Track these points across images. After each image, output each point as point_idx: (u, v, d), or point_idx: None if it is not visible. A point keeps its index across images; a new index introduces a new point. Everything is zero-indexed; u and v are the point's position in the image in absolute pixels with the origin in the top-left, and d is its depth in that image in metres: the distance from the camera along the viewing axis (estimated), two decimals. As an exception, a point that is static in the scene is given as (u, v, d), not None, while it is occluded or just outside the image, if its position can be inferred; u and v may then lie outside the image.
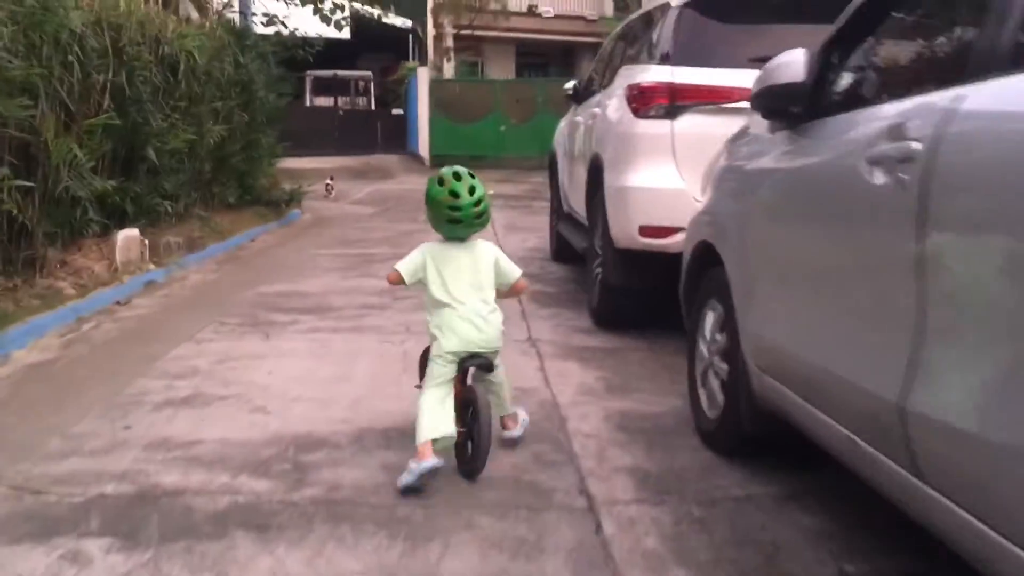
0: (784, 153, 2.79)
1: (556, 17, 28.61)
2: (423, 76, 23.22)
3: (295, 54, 11.85)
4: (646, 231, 4.73)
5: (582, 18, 28.90)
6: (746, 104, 4.55)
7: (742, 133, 3.43)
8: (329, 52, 25.15)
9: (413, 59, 24.31)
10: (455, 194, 3.05)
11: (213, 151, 9.42)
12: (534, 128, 22.97)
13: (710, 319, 3.42)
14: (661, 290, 5.16)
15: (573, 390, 4.17)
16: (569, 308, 6.14)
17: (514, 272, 3.26)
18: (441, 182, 3.09)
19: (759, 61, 4.66)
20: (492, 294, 3.17)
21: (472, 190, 3.07)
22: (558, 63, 30.42)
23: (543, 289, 6.92)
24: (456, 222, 3.08)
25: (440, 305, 3.09)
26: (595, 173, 5.49)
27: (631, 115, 4.84)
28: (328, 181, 16.34)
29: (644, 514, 2.79)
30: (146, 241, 7.25)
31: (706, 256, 3.44)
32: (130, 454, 3.25)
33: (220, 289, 6.93)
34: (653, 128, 4.72)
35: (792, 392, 2.58)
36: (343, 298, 6.43)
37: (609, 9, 29.15)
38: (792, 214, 2.62)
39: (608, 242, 5.11)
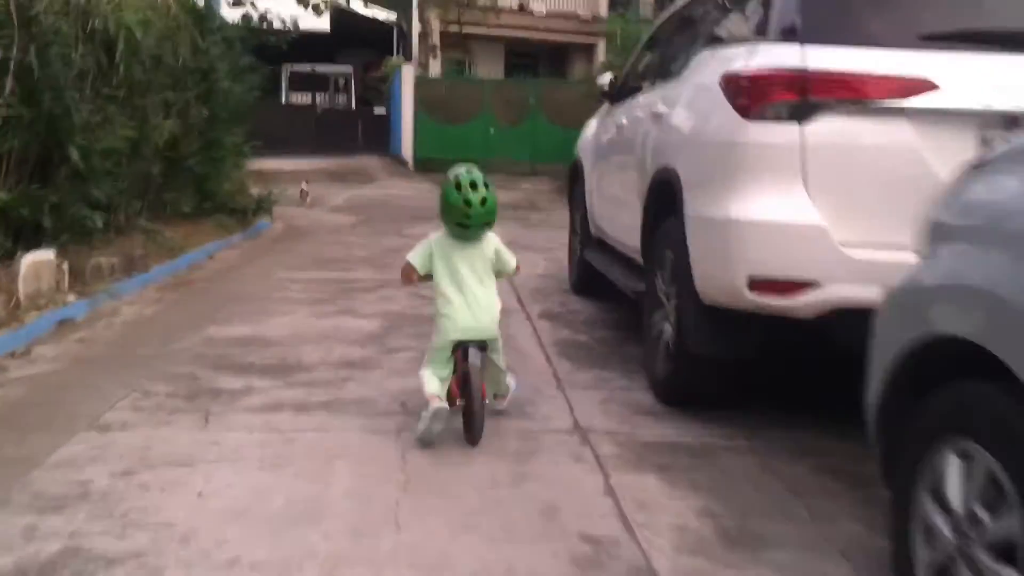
0: None
1: (548, 15, 27.17)
2: (408, 74, 21.68)
3: (266, 41, 10.30)
4: (760, 285, 3.25)
5: (576, 17, 27.48)
6: (913, 102, 3.15)
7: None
8: (307, 45, 23.55)
9: (398, 55, 22.78)
10: (468, 203, 3.33)
11: (164, 151, 7.87)
12: (525, 132, 21.55)
13: (955, 475, 1.94)
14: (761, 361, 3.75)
15: (671, 539, 2.67)
16: (614, 368, 4.65)
17: (512, 262, 3.59)
18: (458, 187, 3.36)
19: (937, 40, 3.27)
20: (491, 283, 3.46)
21: (484, 201, 3.36)
22: (548, 64, 29.00)
23: (573, 338, 5.42)
24: (465, 227, 3.39)
25: (443, 294, 3.40)
26: (663, 195, 4.01)
27: (736, 116, 3.35)
28: (303, 185, 14.78)
29: None
30: (65, 265, 5.70)
31: (946, 361, 1.98)
32: None
33: (157, 330, 5.38)
34: (773, 135, 3.23)
35: None
36: (317, 349, 4.90)
37: (604, 8, 27.77)
38: None
39: (689, 294, 3.63)
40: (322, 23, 21.74)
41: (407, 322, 5.59)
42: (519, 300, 6.56)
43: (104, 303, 5.84)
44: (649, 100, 4.75)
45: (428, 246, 3.48)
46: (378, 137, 21.94)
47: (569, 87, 23.10)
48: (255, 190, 11.13)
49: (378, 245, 9.53)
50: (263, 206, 10.53)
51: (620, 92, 5.74)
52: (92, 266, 6.17)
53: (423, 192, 17.43)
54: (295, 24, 10.13)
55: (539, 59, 28.89)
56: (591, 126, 6.65)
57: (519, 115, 21.82)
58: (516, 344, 5.03)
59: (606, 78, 6.04)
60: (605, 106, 6.28)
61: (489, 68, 26.35)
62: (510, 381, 3.71)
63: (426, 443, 3.32)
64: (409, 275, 3.51)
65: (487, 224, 3.42)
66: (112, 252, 6.63)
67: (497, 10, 25.06)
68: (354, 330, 5.41)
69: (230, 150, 9.79)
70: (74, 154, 5.73)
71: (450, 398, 3.39)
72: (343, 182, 18.90)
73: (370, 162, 20.98)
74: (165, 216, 8.27)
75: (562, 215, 14.30)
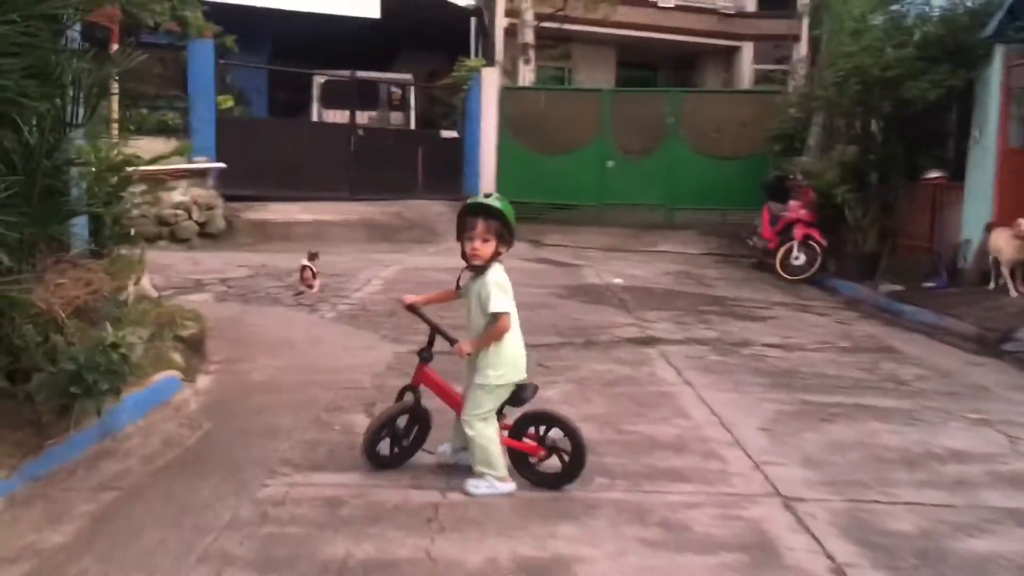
0: None
1: (677, 8, 20.31)
2: (489, 80, 14.94)
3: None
4: None
5: (714, 11, 20.57)
6: None
7: None
8: (350, 44, 17.02)
9: (476, 57, 16.10)
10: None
11: None
12: (658, 165, 14.62)
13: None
14: None
15: None
16: None
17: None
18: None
19: None
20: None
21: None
22: (669, 72, 22.04)
23: None
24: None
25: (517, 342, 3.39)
26: None
27: None
28: (305, 263, 8.01)
29: None
30: None
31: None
32: None
33: None
34: None
35: None
36: None
37: (752, 1, 20.79)
38: None
39: None
40: (369, 6, 15.20)
41: None
42: None
43: None
44: None
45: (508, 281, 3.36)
46: (446, 171, 15.17)
47: (730, 98, 16.05)
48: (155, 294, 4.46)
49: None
50: (113, 368, 3.66)
51: None
52: None
53: (523, 265, 10.47)
54: None
55: (659, 66, 21.99)
56: None
57: (649, 140, 14.86)
58: None
59: None
60: None
61: (594, 76, 19.52)
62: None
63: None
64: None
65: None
66: None
67: (612, 0, 18.27)
68: None
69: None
70: None
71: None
72: (390, 243, 12.12)
73: (433, 209, 14.09)
74: None
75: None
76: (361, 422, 4.14)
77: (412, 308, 3.52)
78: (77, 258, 4.71)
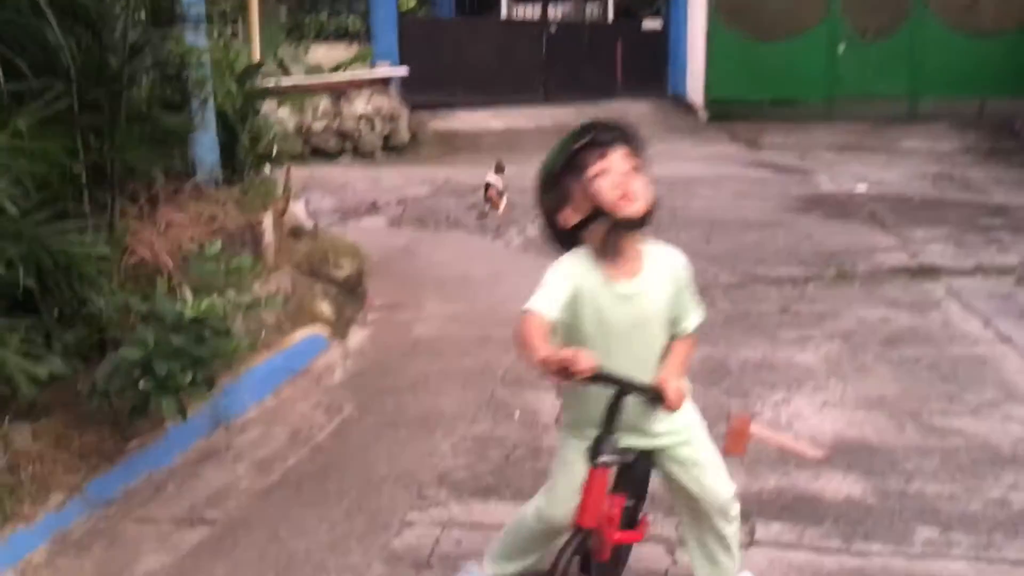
0: None
1: None
2: (698, -42, 13.08)
3: None
4: None
5: None
6: None
7: None
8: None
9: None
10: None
11: None
12: (899, 47, 12.28)
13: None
14: None
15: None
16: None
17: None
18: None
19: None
20: None
21: None
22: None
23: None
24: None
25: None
26: None
27: None
28: (489, 179, 6.90)
29: None
30: None
31: None
32: None
33: None
34: None
35: None
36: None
37: None
38: None
39: None
40: None
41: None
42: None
43: None
44: None
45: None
46: (648, 68, 13.58)
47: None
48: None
49: None
50: (198, 352, 2.66)
51: None
52: None
53: (741, 172, 8.91)
54: None
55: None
56: None
57: (889, 17, 12.56)
58: None
59: None
60: None
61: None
62: None
63: None
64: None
65: None
66: None
67: None
68: None
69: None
70: None
71: None
72: (586, 150, 10.83)
73: (634, 111, 12.56)
74: None
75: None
76: (549, 406, 3.01)
77: (591, 376, 1.58)
78: (204, 185, 3.82)
